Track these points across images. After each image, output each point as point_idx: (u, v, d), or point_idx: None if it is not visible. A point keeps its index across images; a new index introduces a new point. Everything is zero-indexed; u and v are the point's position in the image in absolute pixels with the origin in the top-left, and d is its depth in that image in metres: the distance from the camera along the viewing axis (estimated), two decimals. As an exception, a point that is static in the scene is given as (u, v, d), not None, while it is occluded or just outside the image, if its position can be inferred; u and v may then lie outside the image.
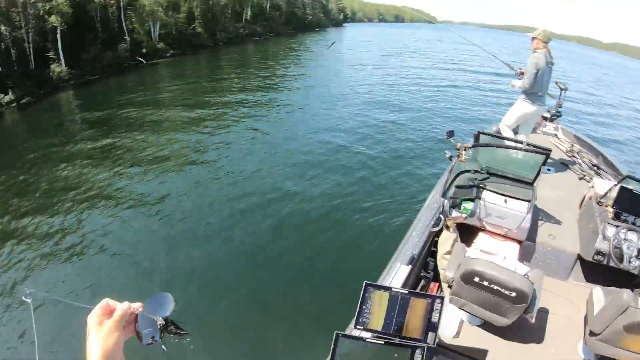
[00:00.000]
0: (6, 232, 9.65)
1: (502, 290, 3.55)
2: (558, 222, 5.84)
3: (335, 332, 2.53)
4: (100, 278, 7.88)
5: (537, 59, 6.89)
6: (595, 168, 7.73)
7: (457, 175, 5.27)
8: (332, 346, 2.51)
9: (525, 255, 5.37)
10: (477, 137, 5.44)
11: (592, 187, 5.96)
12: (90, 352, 1.06)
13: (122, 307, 1.14)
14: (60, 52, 32.22)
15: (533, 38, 7.07)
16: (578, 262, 5.36)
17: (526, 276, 3.79)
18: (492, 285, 3.58)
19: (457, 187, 5.37)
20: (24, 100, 26.39)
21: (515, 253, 4.93)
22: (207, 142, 14.67)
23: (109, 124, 18.30)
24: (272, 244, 8.42)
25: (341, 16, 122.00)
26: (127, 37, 38.96)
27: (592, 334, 3.90)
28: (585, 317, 4.27)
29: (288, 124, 16.50)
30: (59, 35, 31.63)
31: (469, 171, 5.40)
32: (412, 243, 4.78)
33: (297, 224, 9.04)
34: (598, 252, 4.88)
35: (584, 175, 7.39)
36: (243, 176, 11.43)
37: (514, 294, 3.52)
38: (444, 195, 5.25)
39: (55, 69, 31.75)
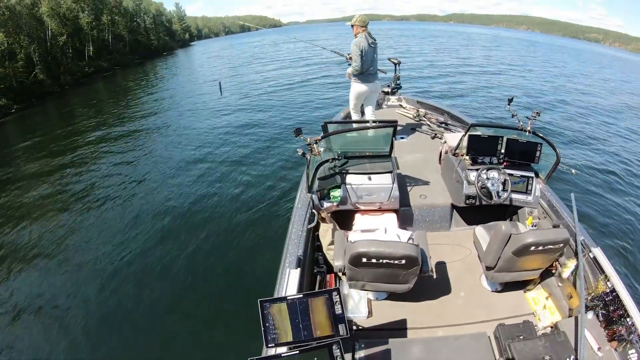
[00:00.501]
0: None
1: (392, 261, 3.64)
2: (425, 182, 6.28)
3: (248, 358, 2.48)
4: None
5: (358, 42, 7.32)
6: (443, 125, 8.51)
7: (317, 167, 5.32)
8: None
9: (405, 221, 5.67)
10: (324, 128, 5.47)
11: (445, 142, 6.55)
12: None
13: None
14: None
15: (352, 25, 7.54)
16: (454, 210, 5.85)
17: (410, 240, 4.02)
18: (380, 261, 3.66)
19: (320, 179, 5.47)
20: None
21: (394, 223, 5.19)
22: (72, 190, 13.69)
23: None
24: (157, 287, 7.59)
25: (187, 35, 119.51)
26: (-38, 100, 35.15)
27: (488, 268, 4.28)
28: (478, 256, 4.67)
29: (145, 157, 15.40)
30: None
31: (327, 161, 5.50)
32: (294, 245, 4.70)
33: (176, 261, 8.24)
34: (468, 197, 5.39)
35: (435, 134, 8.09)
36: (107, 217, 10.62)
37: (403, 261, 3.63)
38: (309, 190, 5.33)
39: None
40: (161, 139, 18.20)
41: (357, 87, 7.82)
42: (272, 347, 2.74)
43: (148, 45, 79.85)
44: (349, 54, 7.78)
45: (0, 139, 26.11)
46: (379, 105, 9.66)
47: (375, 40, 7.59)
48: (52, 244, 9.86)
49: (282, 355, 2.52)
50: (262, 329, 2.76)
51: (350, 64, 7.66)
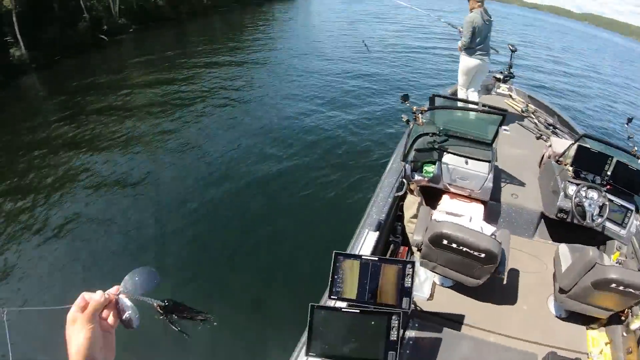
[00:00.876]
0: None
1: (471, 251, 3.53)
2: (520, 181, 5.90)
3: (310, 304, 2.49)
4: (81, 269, 7.72)
5: (472, 17, 7.27)
6: (551, 127, 7.83)
7: (416, 138, 5.22)
8: (309, 318, 2.45)
9: (491, 215, 5.39)
10: (432, 100, 5.37)
11: (550, 146, 6.05)
12: (69, 354, 1.00)
13: (94, 299, 1.04)
14: (18, 35, 31.16)
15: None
16: (542, 220, 5.45)
17: (493, 236, 3.79)
18: (461, 247, 3.56)
19: (417, 150, 5.32)
20: None
21: (480, 214, 4.95)
22: (178, 118, 14.29)
23: (76, 106, 17.84)
24: (238, 222, 8.14)
25: None
26: (86, 15, 37.71)
27: (561, 290, 3.98)
28: (554, 274, 4.34)
29: (256, 97, 15.66)
30: (14, 19, 30.56)
31: (427, 134, 5.34)
32: (377, 209, 4.72)
33: (262, 201, 8.73)
34: (561, 210, 4.97)
35: (541, 135, 7.48)
36: (210, 154, 10.93)
37: (483, 255, 3.51)
38: (404, 159, 5.21)
39: (14, 53, 30.77)
40: (270, 75, 18.83)
41: (466, 62, 7.78)
42: (334, 299, 2.75)
43: None
44: (461, 27, 7.65)
45: (117, 53, 28.09)
46: (487, 91, 9.30)
47: (490, 18, 7.46)
48: (157, 138, 11.72)
49: (342, 309, 2.52)
50: (330, 279, 2.76)
51: (461, 38, 7.61)
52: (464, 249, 3.55)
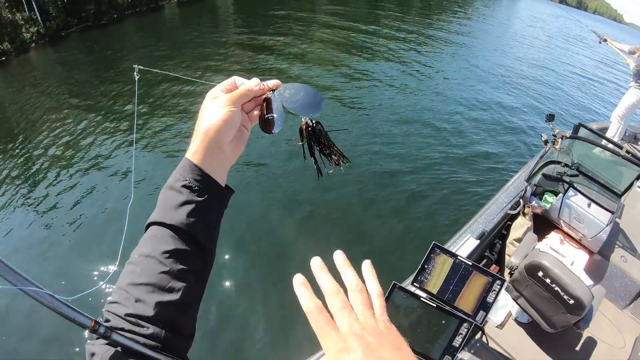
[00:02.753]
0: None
1: (562, 293, 3.30)
2: (635, 246, 5.25)
3: (393, 282, 2.54)
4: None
5: None
6: None
7: (547, 163, 4.98)
8: (387, 295, 2.48)
9: (592, 269, 4.91)
10: (576, 129, 5.03)
11: None
12: (195, 129, 0.86)
13: (248, 84, 0.90)
14: None
15: None
16: None
17: (589, 288, 3.49)
18: (553, 285, 3.34)
19: (544, 175, 5.08)
20: None
21: (583, 262, 4.58)
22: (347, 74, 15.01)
23: (260, 33, 19.80)
24: (371, 189, 8.30)
25: None
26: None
27: None
28: (630, 356, 3.96)
29: (422, 83, 15.94)
30: None
31: (559, 162, 5.05)
32: (486, 218, 4.57)
33: (397, 174, 8.84)
34: None
35: None
36: (358, 120, 11.44)
37: (572, 302, 3.26)
38: (528, 180, 4.99)
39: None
40: (449, 59, 18.78)
41: (634, 95, 7.12)
42: (416, 286, 2.78)
43: None
44: (634, 50, 7.02)
45: None
46: (635, 140, 8.17)
47: None
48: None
49: (421, 298, 2.55)
50: (419, 267, 2.79)
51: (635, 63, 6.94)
52: (556, 288, 3.33)
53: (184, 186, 0.82)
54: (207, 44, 17.88)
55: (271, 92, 0.92)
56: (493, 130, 11.74)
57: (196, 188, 0.82)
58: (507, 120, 12.75)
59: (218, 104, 0.85)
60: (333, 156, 0.93)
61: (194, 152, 0.84)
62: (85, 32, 22.12)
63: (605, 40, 8.02)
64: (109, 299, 0.78)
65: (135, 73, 1.04)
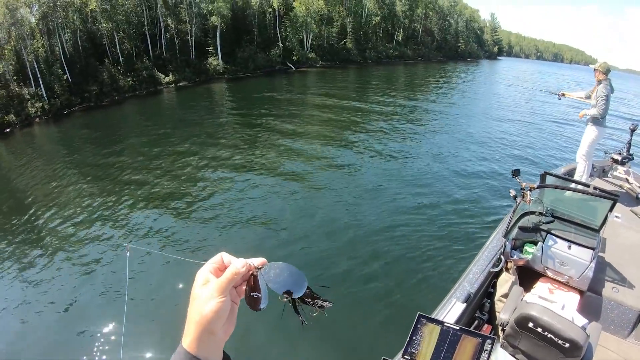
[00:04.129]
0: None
1: (556, 339, 3.24)
2: (623, 274, 5.21)
3: (382, 357, 2.50)
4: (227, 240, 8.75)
5: (606, 88, 7.06)
6: None
7: (521, 216, 4.96)
8: None
9: (585, 307, 4.82)
10: (543, 178, 5.12)
11: None
12: (188, 316, 0.87)
13: (235, 265, 0.89)
14: (218, 49, 35.38)
15: (595, 70, 7.25)
16: None
17: (584, 328, 3.44)
18: (545, 333, 3.29)
19: (521, 228, 5.05)
20: (181, 84, 29.57)
21: (574, 303, 4.51)
22: (344, 147, 15.43)
23: (255, 113, 20.12)
24: (340, 257, 8.33)
25: (496, 48, 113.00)
26: (280, 44, 41.34)
27: None
28: None
29: (409, 150, 16.29)
30: (218, 34, 34.93)
31: (533, 213, 5.02)
32: (469, 281, 4.51)
33: (369, 242, 8.90)
34: None
35: None
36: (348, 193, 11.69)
37: (567, 345, 3.20)
38: (506, 235, 4.96)
39: (212, 62, 34.81)
40: (436, 127, 19.48)
41: (595, 133, 7.42)
42: (406, 359, 2.74)
43: (454, 47, 79.81)
44: (589, 94, 7.52)
45: (300, 83, 30.35)
46: (604, 173, 8.49)
47: (613, 89, 7.23)
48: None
49: (413, 370, 2.51)
50: (407, 339, 2.74)
51: (592, 106, 7.28)
52: (549, 335, 3.27)
53: None
54: (204, 122, 19.08)
55: (257, 270, 0.92)
56: (465, 196, 11.88)
57: None
58: (477, 183, 12.94)
59: (208, 294, 0.85)
60: (317, 302, 0.94)
61: (189, 342, 0.85)
62: (87, 112, 22.86)
63: (563, 95, 8.43)
64: None
65: (126, 252, 1.02)
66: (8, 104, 22.14)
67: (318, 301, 0.94)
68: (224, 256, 0.92)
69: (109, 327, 6.93)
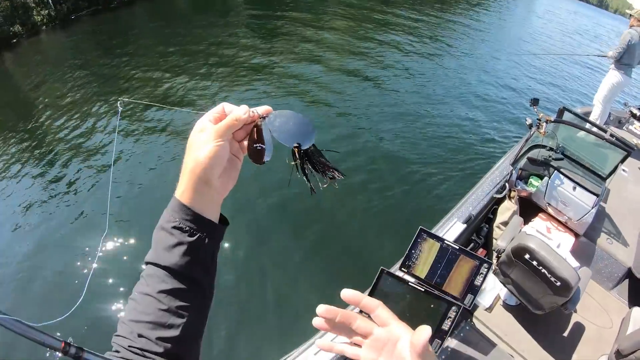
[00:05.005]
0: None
1: (549, 275, 3.26)
2: (619, 228, 5.25)
3: (381, 267, 2.50)
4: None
5: (631, 34, 7.02)
6: None
7: (532, 147, 4.92)
8: (375, 280, 2.48)
9: (578, 251, 4.86)
10: (560, 112, 4.96)
11: None
12: (183, 166, 0.82)
13: (236, 113, 0.82)
14: None
15: (630, 15, 7.23)
16: (628, 278, 4.86)
17: (575, 271, 3.42)
18: (540, 267, 3.31)
19: (529, 159, 5.00)
20: None
21: (569, 245, 4.57)
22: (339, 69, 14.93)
23: (270, 16, 19.76)
24: (361, 175, 8.22)
25: None
26: None
27: (618, 354, 3.58)
28: (617, 336, 3.93)
29: (426, 79, 15.78)
30: None
31: (544, 146, 4.96)
32: (472, 203, 4.51)
33: (383, 158, 8.86)
34: None
35: None
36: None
37: (558, 283, 3.22)
38: (514, 164, 4.92)
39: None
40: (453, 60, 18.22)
41: (613, 77, 7.39)
42: (404, 271, 2.74)
43: None
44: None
45: None
46: (619, 124, 8.27)
47: None
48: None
49: (409, 282, 2.52)
50: (407, 252, 2.75)
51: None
52: (542, 270, 3.30)
53: (175, 227, 0.80)
54: (218, 28, 18.06)
55: (261, 119, 0.86)
56: (480, 117, 11.70)
57: (187, 229, 0.80)
58: (493, 107, 12.71)
59: (204, 139, 0.79)
60: (327, 172, 0.89)
61: (182, 191, 0.81)
62: (95, 15, 21.99)
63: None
64: (116, 332, 0.80)
65: (118, 105, 0.97)
66: (13, 14, 21.49)
67: (329, 169, 0.89)
68: (225, 106, 0.85)
69: (97, 181, 7.33)
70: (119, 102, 1.01)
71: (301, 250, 6.26)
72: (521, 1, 53.41)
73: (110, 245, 6.03)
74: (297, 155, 0.86)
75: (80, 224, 6.66)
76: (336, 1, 23.10)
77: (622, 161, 4.49)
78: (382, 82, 13.09)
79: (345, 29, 19.08)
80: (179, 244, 0.79)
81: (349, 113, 10.62)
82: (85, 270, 5.77)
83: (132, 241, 6.09)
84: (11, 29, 20.87)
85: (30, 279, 5.88)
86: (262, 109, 0.86)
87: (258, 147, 0.85)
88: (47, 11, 22.35)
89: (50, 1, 22.80)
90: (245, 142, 0.88)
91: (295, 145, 0.86)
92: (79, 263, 5.96)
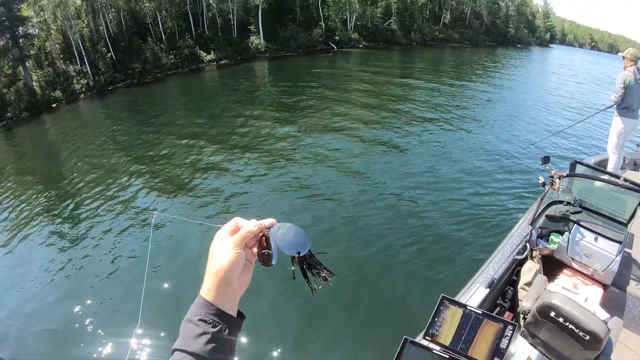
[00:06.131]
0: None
1: (577, 330, 3.13)
2: None
3: (404, 336, 2.49)
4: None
5: (625, 75, 7.00)
6: None
7: (549, 204, 4.83)
8: (399, 350, 2.37)
9: (608, 302, 4.64)
10: (573, 166, 4.96)
11: None
12: (207, 269, 0.99)
13: (248, 226, 1.02)
14: (260, 27, 35.49)
15: (623, 57, 7.16)
16: None
17: (605, 322, 3.29)
18: (566, 323, 3.19)
19: (548, 217, 4.92)
20: (222, 62, 29.85)
21: (597, 297, 4.40)
22: (379, 129, 15.43)
23: (294, 92, 20.11)
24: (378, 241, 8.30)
25: (548, 35, 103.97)
26: (322, 24, 40.89)
27: None
28: None
29: (443, 143, 15.95)
30: (260, 13, 34.86)
31: (561, 202, 4.91)
32: (493, 267, 4.45)
33: (403, 229, 8.79)
34: None
35: None
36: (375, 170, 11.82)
37: (587, 337, 3.09)
38: (532, 223, 4.82)
39: (254, 40, 34.94)
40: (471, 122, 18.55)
41: (618, 123, 7.33)
42: (428, 340, 2.70)
43: (504, 32, 74.26)
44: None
45: (342, 63, 30.22)
46: (635, 165, 8.20)
47: None
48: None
49: (434, 351, 2.48)
50: (430, 320, 2.69)
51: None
52: (570, 326, 3.17)
53: (200, 320, 0.93)
54: (241, 99, 19.51)
55: (267, 230, 1.03)
56: (494, 180, 11.75)
57: (210, 321, 0.94)
58: (506, 170, 12.73)
59: (225, 247, 0.98)
60: (321, 273, 1.04)
61: (207, 290, 0.96)
62: (130, 88, 23.41)
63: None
64: None
65: (152, 220, 1.11)
66: (55, 80, 23.01)
67: (323, 271, 1.04)
68: (238, 220, 1.04)
69: (128, 292, 7.44)
70: (153, 216, 1.15)
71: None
72: (535, 58, 53.69)
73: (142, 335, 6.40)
74: (298, 262, 1.03)
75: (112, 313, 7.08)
76: (355, 84, 24.06)
77: None
78: (403, 150, 13.70)
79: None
80: (204, 333, 0.92)
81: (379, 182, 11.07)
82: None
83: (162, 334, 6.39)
84: (52, 93, 22.17)
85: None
86: (267, 222, 1.05)
87: (266, 253, 1.02)
88: (85, 81, 23.76)
89: (89, 72, 24.16)
90: (255, 249, 1.05)
91: (297, 254, 1.03)
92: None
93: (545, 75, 40.31)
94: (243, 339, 5.99)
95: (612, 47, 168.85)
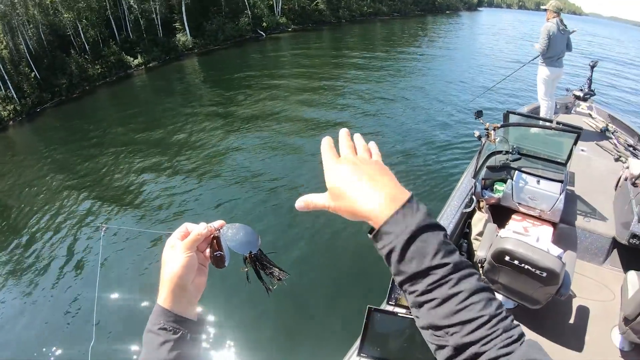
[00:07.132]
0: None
1: (533, 269, 3.29)
2: (593, 204, 5.35)
3: (367, 306, 2.57)
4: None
5: (549, 26, 7.30)
6: (631, 148, 7.09)
7: (488, 156, 5.00)
8: (365, 320, 2.43)
9: (559, 238, 4.95)
10: (506, 117, 5.12)
11: (628, 167, 5.41)
12: (161, 278, 0.98)
13: (197, 229, 1.01)
14: (185, 24, 34.20)
15: (546, 9, 7.50)
16: (614, 247, 4.91)
17: (559, 257, 3.49)
18: (522, 265, 3.34)
19: (489, 168, 5.09)
20: (151, 64, 28.96)
21: (548, 235, 4.60)
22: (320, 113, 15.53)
23: (229, 85, 19.77)
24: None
25: None
26: (248, 12, 40.00)
27: (625, 320, 3.55)
28: (621, 304, 3.87)
29: (385, 108, 16.28)
30: (184, 8, 33.69)
31: (500, 152, 5.08)
32: (444, 223, 4.55)
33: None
34: (634, 236, 4.41)
35: (620, 156, 6.80)
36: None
37: (544, 274, 3.26)
38: (475, 176, 5.01)
39: (180, 38, 33.85)
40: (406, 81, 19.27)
41: (544, 70, 7.68)
42: (391, 304, 2.78)
43: (432, 0, 72.60)
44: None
45: (272, 50, 29.99)
46: (567, 109, 8.69)
47: (566, 27, 7.42)
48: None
49: (399, 314, 2.46)
50: (390, 285, 2.75)
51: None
52: (526, 267, 3.33)
53: (160, 328, 0.94)
54: (176, 101, 19.15)
55: (217, 231, 1.03)
56: (432, 141, 12.30)
57: (171, 328, 0.94)
58: (436, 129, 13.47)
59: (176, 253, 0.97)
60: (274, 273, 1.04)
61: (164, 298, 0.96)
62: (59, 106, 22.27)
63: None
64: None
65: (102, 233, 1.10)
66: (-22, 111, 21.81)
67: (275, 270, 1.04)
68: (187, 225, 1.02)
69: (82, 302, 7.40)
70: (102, 228, 1.13)
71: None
72: (465, 22, 54.73)
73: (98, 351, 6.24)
74: (250, 261, 1.03)
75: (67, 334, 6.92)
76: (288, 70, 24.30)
77: (575, 142, 4.66)
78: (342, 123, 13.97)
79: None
80: (166, 341, 0.93)
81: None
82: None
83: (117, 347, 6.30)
84: (-23, 126, 20.98)
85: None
86: (217, 223, 1.04)
87: (218, 255, 1.02)
88: (12, 106, 22.47)
89: (15, 96, 23.04)
90: (207, 252, 1.05)
91: (249, 253, 1.03)
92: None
93: (476, 37, 41.74)
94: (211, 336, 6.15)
95: (538, 4, 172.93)
